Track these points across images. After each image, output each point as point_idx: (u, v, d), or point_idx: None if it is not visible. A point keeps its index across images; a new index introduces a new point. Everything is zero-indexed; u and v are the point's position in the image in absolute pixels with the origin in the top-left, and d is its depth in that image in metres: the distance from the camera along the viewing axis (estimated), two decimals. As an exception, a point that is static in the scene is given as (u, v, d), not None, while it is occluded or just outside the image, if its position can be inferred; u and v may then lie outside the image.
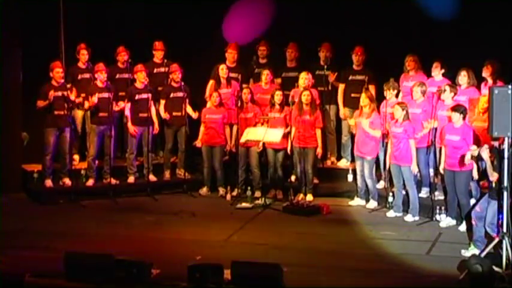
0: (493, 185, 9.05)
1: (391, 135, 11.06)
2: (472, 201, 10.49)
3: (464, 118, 10.30)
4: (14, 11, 12.14)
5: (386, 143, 11.21)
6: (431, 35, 12.04)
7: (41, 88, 11.87)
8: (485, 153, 9.07)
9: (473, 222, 9.45)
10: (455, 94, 10.96)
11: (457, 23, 11.87)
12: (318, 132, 11.77)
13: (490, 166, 9.01)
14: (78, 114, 12.50)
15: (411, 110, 11.02)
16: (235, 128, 12.24)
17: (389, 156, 11.07)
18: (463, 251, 9.42)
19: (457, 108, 10.36)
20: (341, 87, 12.44)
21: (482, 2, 11.58)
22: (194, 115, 12.40)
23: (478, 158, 9.30)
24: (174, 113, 12.41)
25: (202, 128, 12.29)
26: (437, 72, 11.52)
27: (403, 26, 12.29)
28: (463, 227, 10.32)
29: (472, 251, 9.31)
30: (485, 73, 11.01)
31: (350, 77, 12.38)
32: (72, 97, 11.98)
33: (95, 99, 11.83)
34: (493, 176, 8.96)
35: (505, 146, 8.82)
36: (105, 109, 11.97)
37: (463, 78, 11.12)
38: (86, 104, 12.00)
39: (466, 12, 11.75)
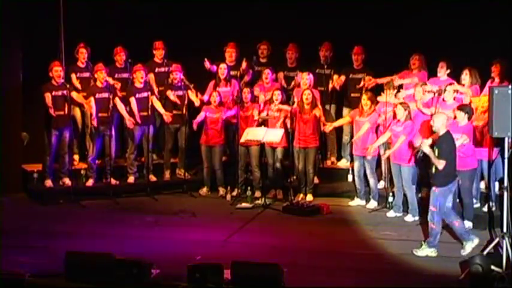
0: (433, 171, 9.32)
1: (391, 134, 11.05)
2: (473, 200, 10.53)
3: (469, 118, 10.28)
4: (14, 10, 12.14)
5: (389, 143, 11.20)
6: (435, 33, 12.03)
7: (41, 87, 11.87)
8: (426, 148, 9.35)
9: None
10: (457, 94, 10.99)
11: (461, 21, 11.89)
12: (317, 111, 11.74)
13: (434, 157, 9.26)
14: (78, 113, 12.50)
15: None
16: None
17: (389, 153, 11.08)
18: (414, 251, 9.47)
19: (462, 107, 10.35)
20: (342, 79, 12.43)
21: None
22: (196, 101, 12.37)
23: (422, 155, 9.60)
24: (175, 112, 12.44)
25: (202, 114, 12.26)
26: (442, 73, 11.51)
27: (404, 25, 12.28)
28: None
29: (424, 250, 9.38)
30: (493, 72, 11.00)
31: (350, 76, 12.40)
32: (74, 96, 12.05)
33: (92, 104, 11.90)
34: (441, 164, 9.22)
35: (505, 146, 8.84)
36: (104, 109, 11.97)
37: (465, 77, 11.12)
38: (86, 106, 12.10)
39: (470, 11, 11.77)
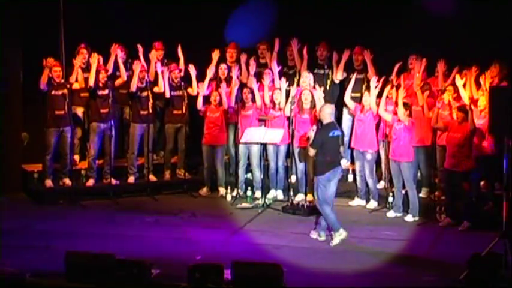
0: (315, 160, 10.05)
1: (392, 132, 11.06)
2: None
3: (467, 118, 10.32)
4: (14, 11, 12.14)
5: (389, 142, 11.21)
6: (434, 34, 12.03)
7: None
8: (312, 133, 10.08)
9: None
10: (457, 94, 11.02)
11: (460, 22, 11.89)
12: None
13: (308, 144, 10.03)
14: (79, 113, 12.50)
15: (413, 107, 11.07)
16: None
17: (389, 152, 11.09)
18: (331, 243, 9.77)
19: (462, 108, 10.39)
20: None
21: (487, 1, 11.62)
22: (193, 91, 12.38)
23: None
24: (175, 111, 12.44)
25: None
26: (441, 72, 11.54)
27: (404, 25, 12.28)
28: (462, 227, 10.35)
29: (336, 239, 9.82)
30: (492, 73, 11.01)
31: (350, 76, 12.37)
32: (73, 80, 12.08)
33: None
34: (310, 152, 9.96)
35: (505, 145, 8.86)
36: (105, 106, 11.97)
37: (465, 76, 11.15)
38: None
39: (469, 11, 11.77)
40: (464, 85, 10.94)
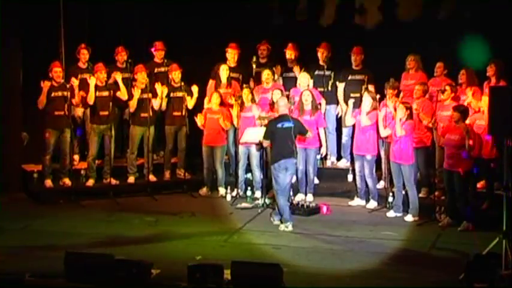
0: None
1: (392, 133, 11.06)
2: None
3: (465, 119, 10.32)
4: (14, 11, 12.14)
5: (389, 143, 11.20)
6: (432, 34, 12.04)
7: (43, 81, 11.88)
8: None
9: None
10: (455, 94, 11.02)
11: (458, 23, 11.90)
12: (321, 132, 11.72)
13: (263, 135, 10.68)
14: (79, 113, 12.50)
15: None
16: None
17: (390, 154, 11.08)
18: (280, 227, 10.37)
19: (458, 108, 10.40)
20: (340, 86, 12.41)
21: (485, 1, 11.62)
22: (199, 121, 12.30)
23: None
24: (175, 113, 12.43)
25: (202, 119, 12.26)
26: (439, 72, 11.55)
27: (403, 25, 12.29)
28: (462, 227, 10.35)
29: (281, 226, 10.42)
30: (489, 72, 11.01)
31: (349, 77, 12.38)
32: (74, 101, 12.03)
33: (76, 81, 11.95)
34: (264, 143, 10.78)
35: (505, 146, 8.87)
36: (105, 108, 11.97)
37: (462, 77, 11.16)
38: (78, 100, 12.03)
39: (467, 12, 11.78)
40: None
